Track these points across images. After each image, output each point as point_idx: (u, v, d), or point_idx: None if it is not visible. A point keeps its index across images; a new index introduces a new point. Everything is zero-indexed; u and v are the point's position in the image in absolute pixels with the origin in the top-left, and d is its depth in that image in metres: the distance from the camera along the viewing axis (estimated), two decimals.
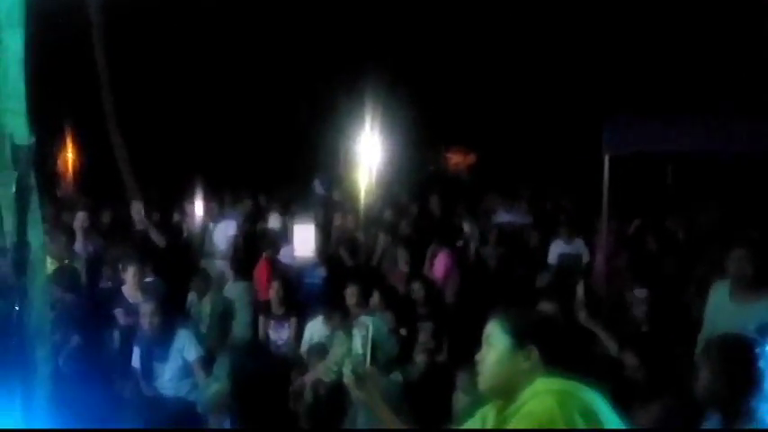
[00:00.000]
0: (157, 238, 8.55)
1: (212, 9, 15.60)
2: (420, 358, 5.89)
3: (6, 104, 3.31)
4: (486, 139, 17.61)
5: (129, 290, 6.95)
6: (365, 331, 2.81)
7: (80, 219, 8.50)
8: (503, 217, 10.48)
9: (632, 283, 6.52)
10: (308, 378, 5.71)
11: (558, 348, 2.43)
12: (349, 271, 7.91)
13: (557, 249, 8.58)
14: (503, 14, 16.03)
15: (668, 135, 7.06)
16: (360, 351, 2.81)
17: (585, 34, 15.05)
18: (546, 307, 4.89)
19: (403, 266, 8.00)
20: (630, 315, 6.12)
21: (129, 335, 6.39)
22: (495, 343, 2.47)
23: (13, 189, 2.28)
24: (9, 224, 3.15)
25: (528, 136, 16.18)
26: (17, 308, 2.14)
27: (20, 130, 3.28)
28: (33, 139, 2.76)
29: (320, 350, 5.97)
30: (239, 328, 7.37)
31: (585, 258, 8.52)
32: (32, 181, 2.54)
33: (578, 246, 8.55)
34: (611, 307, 6.77)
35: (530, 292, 6.99)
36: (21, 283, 2.15)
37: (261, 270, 8.02)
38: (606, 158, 7.17)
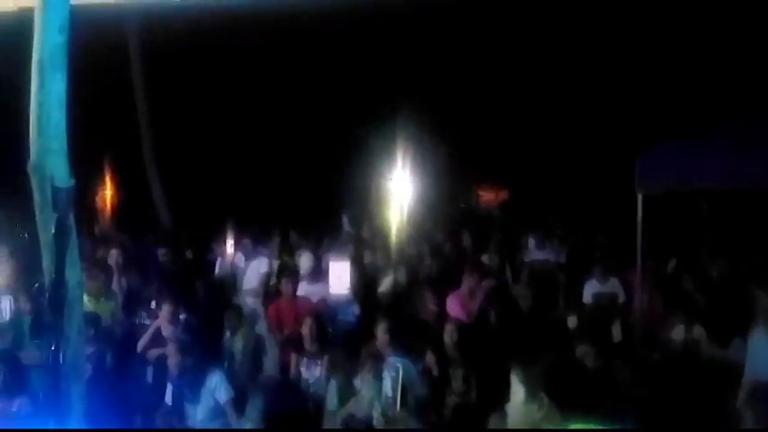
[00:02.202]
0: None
1: (244, 48, 15.98)
2: (451, 400, 5.80)
3: (49, 145, 3.42)
4: (518, 175, 17.56)
5: (164, 327, 7.02)
6: (395, 373, 2.79)
7: (114, 255, 8.66)
8: (535, 254, 10.37)
9: (669, 324, 6.41)
10: (340, 415, 5.65)
11: (574, 396, 2.42)
12: (381, 308, 7.84)
13: (591, 289, 8.44)
14: (534, 52, 16.11)
15: (702, 171, 6.95)
16: (389, 394, 2.79)
17: (618, 71, 15.03)
18: (582, 350, 4.81)
19: (431, 306, 7.92)
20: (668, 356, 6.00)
21: (164, 371, 6.45)
22: (513, 392, 2.51)
23: (53, 230, 2.33)
24: (48, 263, 3.22)
25: (560, 173, 16.10)
26: (54, 346, 2.18)
27: (61, 172, 3.38)
28: (73, 182, 2.84)
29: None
30: (270, 364, 7.36)
31: (621, 298, 8.36)
32: (71, 222, 2.60)
33: (613, 284, 8.40)
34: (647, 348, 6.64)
35: (563, 333, 6.88)
36: (57, 322, 2.19)
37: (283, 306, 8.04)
38: (639, 196, 7.08)
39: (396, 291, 8.60)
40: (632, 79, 14.87)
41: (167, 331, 7.00)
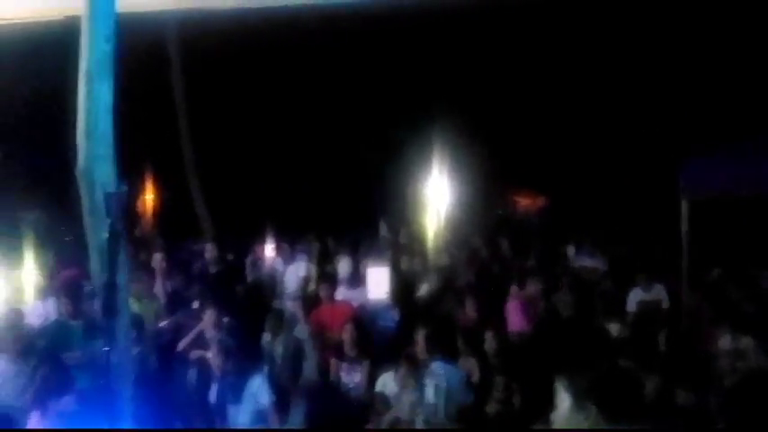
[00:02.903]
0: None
1: (281, 54, 16.12)
2: (492, 408, 5.74)
3: (96, 151, 3.47)
4: (557, 181, 17.35)
5: (207, 329, 7.10)
6: (438, 382, 2.77)
7: (157, 259, 8.80)
8: (579, 262, 10.20)
9: (715, 334, 6.26)
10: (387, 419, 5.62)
11: (621, 404, 2.39)
12: (420, 314, 7.80)
13: (635, 297, 8.28)
14: (573, 56, 15.91)
15: (748, 178, 6.80)
16: (432, 401, 2.76)
17: (663, 75, 14.73)
18: (624, 363, 4.73)
19: (471, 312, 7.85)
20: (715, 366, 5.86)
21: (208, 372, 6.56)
22: (559, 402, 2.49)
23: (106, 234, 2.37)
24: (97, 266, 3.27)
25: (601, 179, 15.83)
26: (106, 348, 2.20)
27: (108, 177, 3.44)
28: (125, 187, 2.88)
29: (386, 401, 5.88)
30: (310, 369, 7.41)
31: (665, 305, 8.19)
32: (122, 227, 2.64)
33: (658, 291, 8.23)
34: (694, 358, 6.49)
35: (607, 342, 6.76)
36: (110, 324, 2.22)
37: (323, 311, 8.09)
38: (684, 203, 6.95)
39: (434, 296, 8.57)
40: (678, 85, 14.55)
41: (210, 334, 7.10)
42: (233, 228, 13.54)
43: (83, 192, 3.42)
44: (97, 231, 3.17)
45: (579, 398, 2.42)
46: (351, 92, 16.65)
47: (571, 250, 10.88)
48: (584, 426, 2.41)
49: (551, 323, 7.89)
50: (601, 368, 2.53)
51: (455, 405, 4.19)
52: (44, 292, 8.03)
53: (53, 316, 7.73)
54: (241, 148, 16.89)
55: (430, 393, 2.64)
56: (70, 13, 4.71)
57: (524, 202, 20.36)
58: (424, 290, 8.85)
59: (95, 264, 3.31)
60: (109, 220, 2.36)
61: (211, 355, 6.47)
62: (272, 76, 16.54)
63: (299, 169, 16.87)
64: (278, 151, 16.86)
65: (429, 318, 7.63)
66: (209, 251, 9.46)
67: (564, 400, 2.47)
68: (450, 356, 6.50)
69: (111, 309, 2.18)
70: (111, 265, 2.26)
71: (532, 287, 7.52)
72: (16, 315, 6.98)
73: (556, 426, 2.54)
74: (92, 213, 3.34)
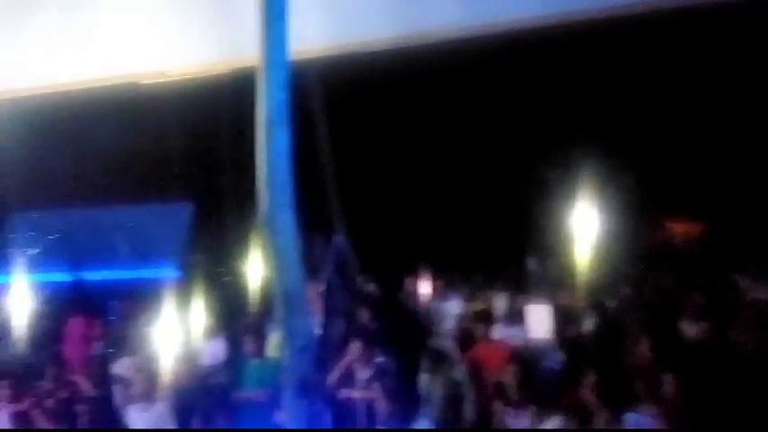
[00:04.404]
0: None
1: (422, 91, 16.22)
2: None
3: (278, 198, 3.50)
4: (715, 205, 16.13)
5: (359, 368, 7.04)
6: None
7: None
8: (757, 291, 9.30)
9: None
10: None
11: None
12: (587, 356, 7.36)
13: None
14: (722, 69, 14.80)
15: None
16: None
17: None
18: None
19: (645, 352, 7.29)
20: None
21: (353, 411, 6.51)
22: None
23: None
24: (282, 312, 3.25)
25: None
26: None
27: (290, 225, 3.45)
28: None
29: None
30: (469, 411, 7.17)
31: None
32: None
33: None
34: None
35: None
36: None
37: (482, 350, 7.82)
38: None
39: (601, 335, 8.09)
40: None
41: (361, 373, 7.00)
42: (386, 265, 13.58)
43: (265, 240, 3.45)
44: (283, 280, 3.18)
45: None
46: (494, 126, 16.44)
47: (746, 280, 9.95)
48: None
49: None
50: None
51: None
52: (213, 333, 8.33)
53: (222, 356, 8.01)
54: (386, 184, 17.03)
55: None
56: (238, 65, 4.86)
57: (679, 230, 19.10)
58: (587, 328, 8.39)
59: (279, 309, 3.31)
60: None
61: (370, 396, 6.39)
62: (416, 112, 16.63)
63: (446, 204, 16.77)
64: (424, 186, 16.87)
65: (597, 359, 7.19)
66: (371, 288, 9.51)
67: None
68: (623, 403, 6.06)
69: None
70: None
71: None
72: (191, 355, 7.29)
73: None
74: (275, 261, 3.36)
